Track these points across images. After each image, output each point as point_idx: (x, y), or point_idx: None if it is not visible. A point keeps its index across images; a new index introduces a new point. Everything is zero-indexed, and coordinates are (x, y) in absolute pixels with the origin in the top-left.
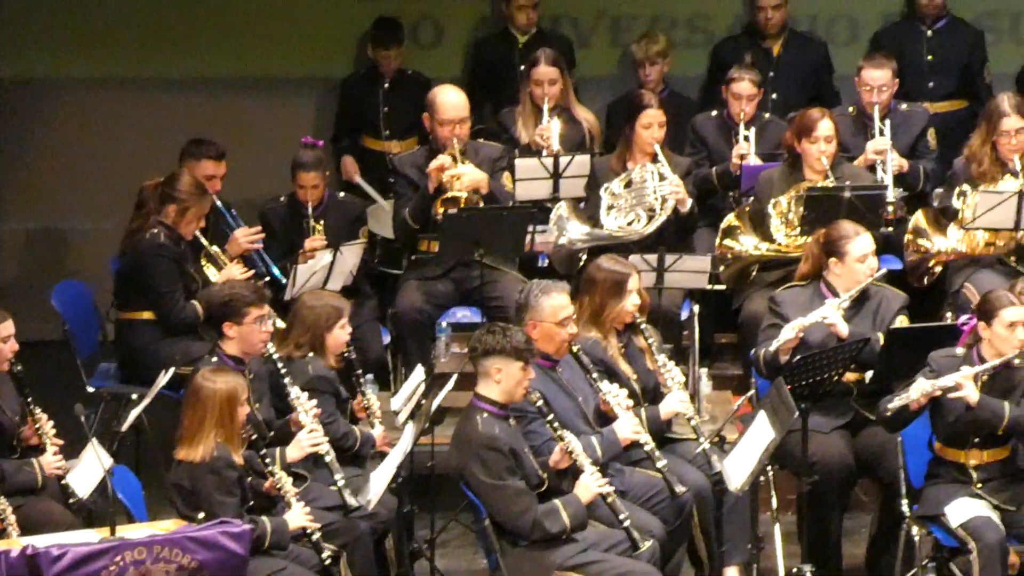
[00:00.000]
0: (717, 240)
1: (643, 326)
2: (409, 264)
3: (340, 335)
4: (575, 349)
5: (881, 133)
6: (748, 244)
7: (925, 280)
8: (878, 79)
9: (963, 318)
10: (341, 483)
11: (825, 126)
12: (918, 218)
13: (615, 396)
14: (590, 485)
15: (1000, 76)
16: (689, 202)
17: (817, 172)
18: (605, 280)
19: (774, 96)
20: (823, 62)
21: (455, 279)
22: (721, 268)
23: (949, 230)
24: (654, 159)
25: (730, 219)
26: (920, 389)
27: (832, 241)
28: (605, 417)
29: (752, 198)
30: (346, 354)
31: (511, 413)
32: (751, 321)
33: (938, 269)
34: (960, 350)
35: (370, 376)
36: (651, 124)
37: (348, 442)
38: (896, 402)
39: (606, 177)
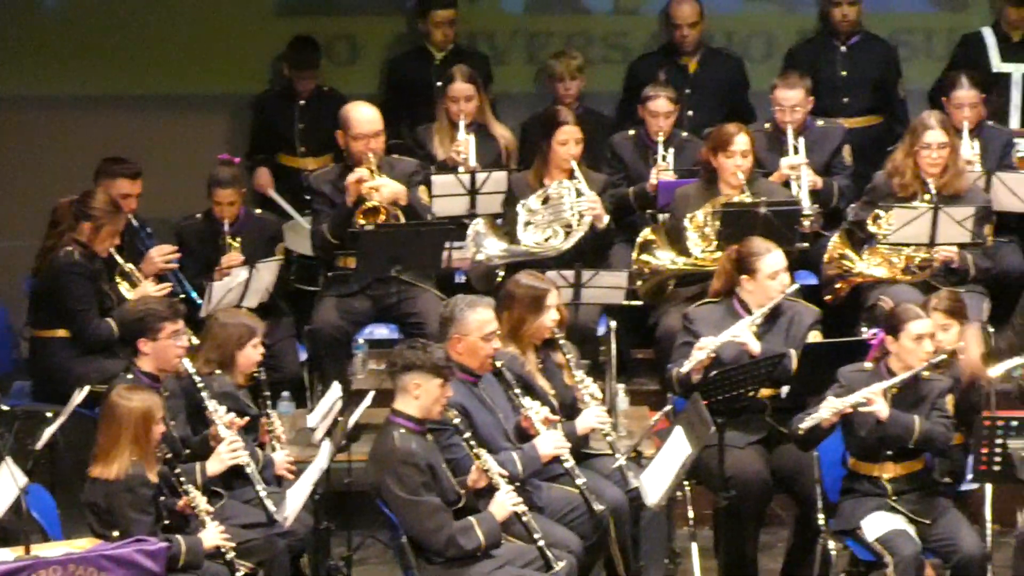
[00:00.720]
0: (634, 255)
1: (561, 342)
2: (326, 281)
3: (252, 354)
4: (499, 365)
5: (796, 150)
6: (665, 259)
7: (840, 295)
8: (791, 99)
9: (870, 332)
10: (263, 493)
11: (741, 141)
12: (838, 241)
13: (537, 413)
14: (505, 503)
15: (914, 92)
16: (606, 218)
17: (733, 187)
18: (524, 296)
19: (690, 113)
20: (739, 79)
21: (372, 296)
22: (638, 283)
23: (863, 255)
24: (571, 175)
25: (646, 234)
26: (830, 407)
27: (744, 258)
28: (524, 434)
29: (668, 213)
30: (256, 374)
31: (429, 429)
32: (668, 336)
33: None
34: (869, 364)
35: (287, 393)
36: (568, 140)
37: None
38: (808, 421)
39: (523, 193)
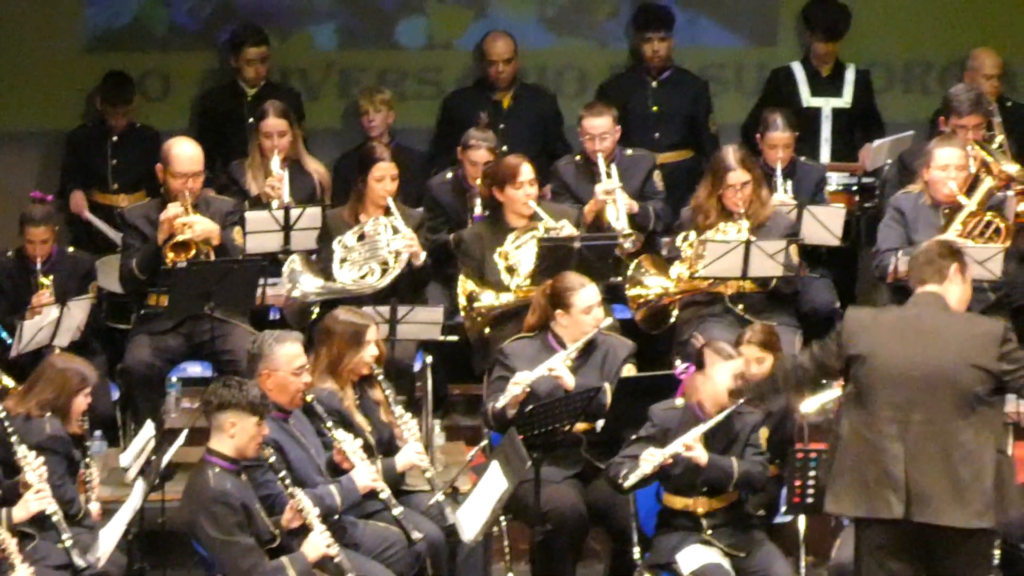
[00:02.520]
0: (462, 304)
1: (379, 378)
2: (138, 319)
3: (82, 402)
4: (309, 399)
5: (609, 175)
6: (488, 300)
7: (661, 327)
8: (598, 127)
9: (680, 367)
10: (69, 543)
11: (527, 170)
12: (638, 265)
13: (350, 446)
14: (318, 544)
15: (726, 127)
16: (423, 255)
17: (523, 216)
18: (343, 332)
19: (505, 148)
20: (552, 114)
21: (185, 333)
22: (467, 324)
23: (672, 269)
24: (387, 212)
25: (465, 283)
26: (651, 462)
27: (557, 293)
28: (337, 468)
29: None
30: (81, 421)
31: (244, 468)
32: None
33: (675, 313)
34: (680, 401)
35: (99, 432)
36: (384, 177)
37: (73, 508)
38: (633, 477)
39: (339, 229)
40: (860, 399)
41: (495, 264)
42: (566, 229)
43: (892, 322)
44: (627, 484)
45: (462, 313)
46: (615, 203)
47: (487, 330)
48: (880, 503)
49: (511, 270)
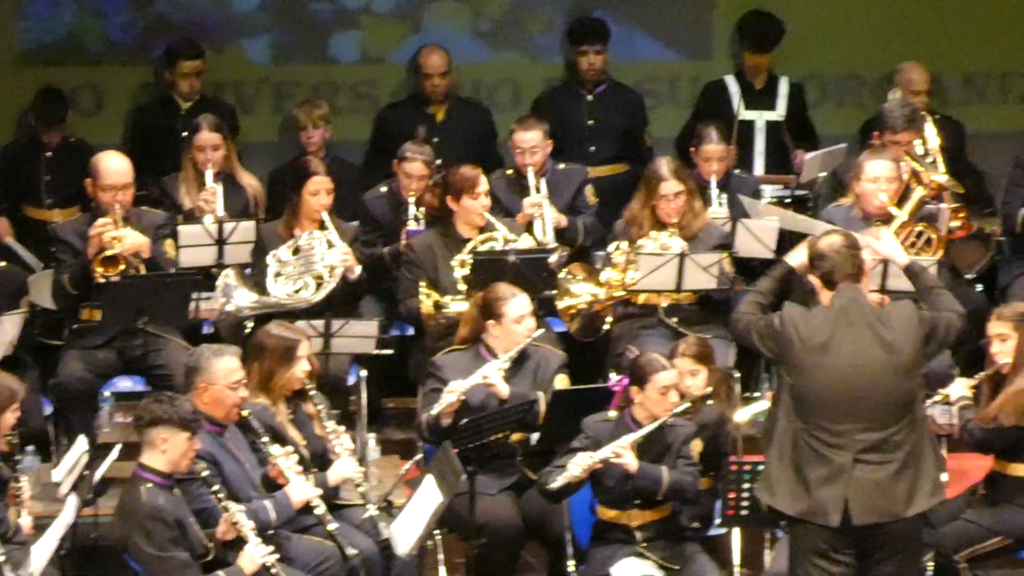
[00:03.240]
0: (428, 310)
1: (312, 392)
2: (71, 333)
3: (10, 418)
4: (245, 414)
5: (537, 190)
6: (456, 308)
7: (596, 335)
8: (528, 141)
9: (614, 379)
10: (0, 559)
11: (484, 182)
12: (567, 273)
13: (285, 460)
14: (254, 556)
15: (661, 140)
16: (358, 269)
17: (475, 227)
18: (275, 347)
19: (439, 162)
20: (486, 127)
21: (118, 348)
22: (430, 323)
23: (602, 274)
24: (321, 226)
25: (430, 292)
26: (580, 465)
27: (489, 304)
28: (272, 483)
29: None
30: (9, 437)
31: (177, 482)
32: None
33: (609, 319)
34: (613, 413)
35: (31, 448)
36: (318, 191)
37: (2, 528)
38: (559, 481)
39: (273, 243)
40: (798, 405)
41: (450, 272)
42: (525, 241)
43: (823, 325)
44: (553, 487)
45: (429, 322)
46: (542, 217)
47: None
48: (822, 509)
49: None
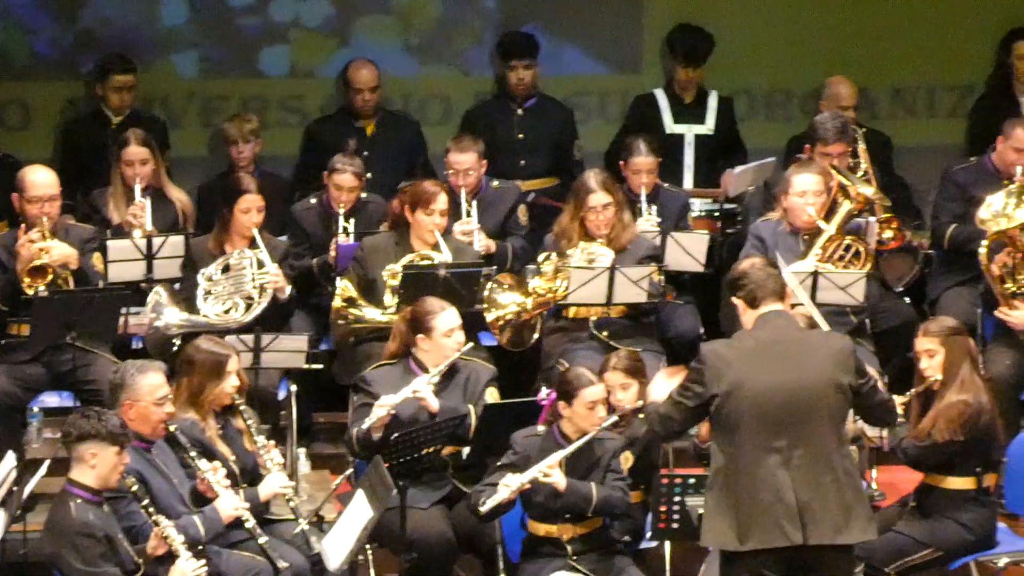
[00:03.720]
0: (336, 304)
1: (242, 407)
2: None
3: None
4: (171, 429)
5: (468, 214)
6: (367, 313)
7: (526, 344)
8: (463, 162)
9: (542, 393)
10: None
11: (442, 200)
12: (494, 283)
13: (214, 475)
14: (185, 571)
15: (590, 154)
16: (288, 289)
17: (428, 243)
18: (204, 362)
19: (369, 175)
20: (416, 141)
21: (46, 363)
22: (339, 322)
23: (531, 283)
24: (252, 243)
25: (347, 287)
26: (509, 487)
27: (418, 318)
28: (201, 498)
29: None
30: None
31: (106, 498)
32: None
33: (537, 326)
34: (541, 428)
35: None
36: (250, 209)
37: None
38: (491, 502)
39: (203, 260)
40: (733, 433)
41: (383, 281)
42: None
43: (751, 350)
44: (484, 509)
45: (333, 315)
46: (471, 245)
47: (351, 340)
48: (775, 533)
49: (394, 291)
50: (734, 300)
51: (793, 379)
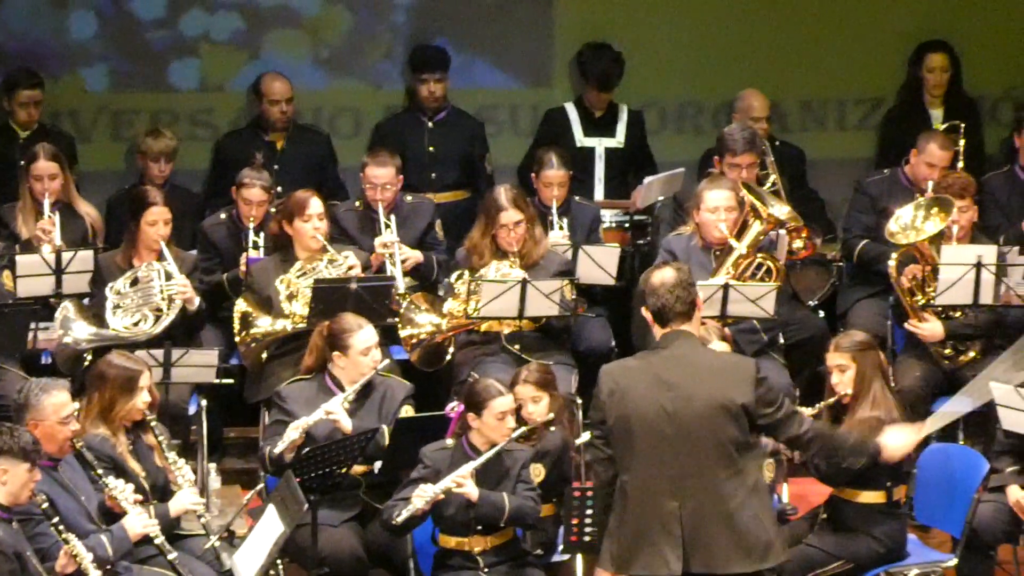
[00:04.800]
0: (236, 329)
1: (153, 423)
2: None
3: None
4: (78, 446)
5: (388, 227)
6: (264, 325)
7: (437, 365)
8: (381, 177)
9: (450, 406)
10: None
11: (316, 204)
12: (410, 303)
13: (122, 491)
14: None
15: (501, 167)
16: (197, 300)
17: (312, 250)
18: (116, 377)
19: (279, 189)
20: (327, 155)
21: None
22: (241, 335)
23: (445, 304)
24: (160, 256)
25: (241, 307)
26: (423, 498)
27: (335, 335)
28: (111, 514)
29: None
30: None
31: (15, 516)
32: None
33: (451, 350)
34: (450, 441)
35: None
36: (157, 221)
37: None
38: (403, 515)
39: (111, 274)
40: (626, 458)
41: (278, 292)
42: (350, 259)
43: (643, 373)
44: (398, 521)
45: (237, 338)
46: (392, 258)
47: (264, 355)
48: (658, 561)
49: (291, 297)
50: (643, 311)
51: (682, 407)
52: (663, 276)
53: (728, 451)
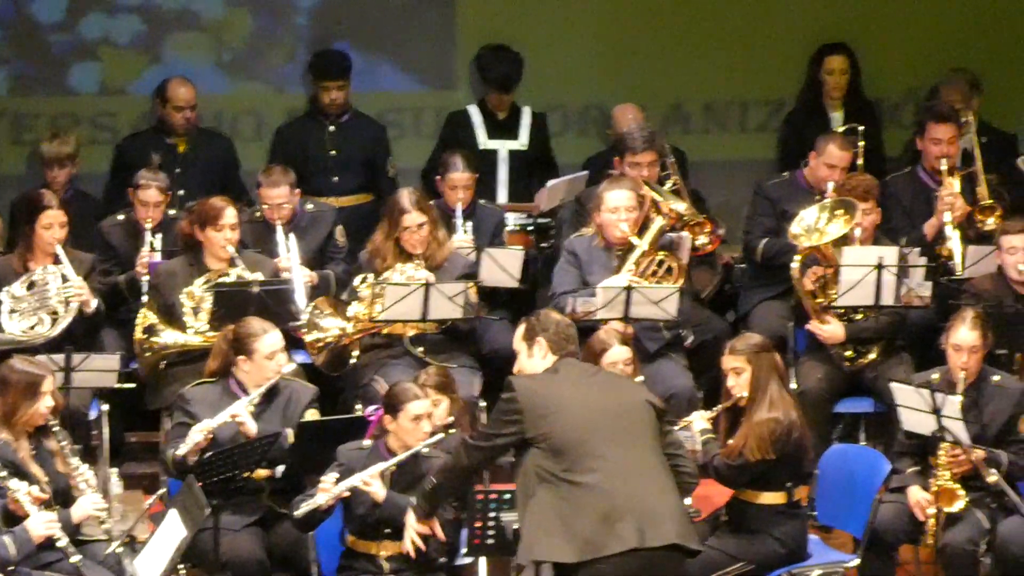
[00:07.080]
0: (137, 336)
1: (55, 428)
2: None
3: None
4: None
5: (287, 248)
6: (170, 338)
7: (341, 369)
8: (275, 197)
9: (370, 409)
10: None
11: (230, 214)
12: (315, 308)
13: (25, 494)
14: None
15: (404, 170)
16: (94, 302)
17: (222, 260)
18: (19, 382)
19: (181, 192)
20: (229, 158)
21: None
22: (146, 354)
23: (350, 308)
24: (56, 260)
25: (146, 315)
26: (326, 491)
27: (240, 339)
28: (12, 518)
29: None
30: None
31: None
32: None
33: (355, 354)
34: (368, 442)
35: None
36: (52, 224)
37: None
38: (305, 507)
39: (8, 278)
40: (563, 455)
41: (182, 303)
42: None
43: (564, 381)
44: (299, 513)
45: (136, 347)
46: (292, 282)
47: (162, 365)
48: (612, 539)
49: (196, 311)
50: (540, 339)
51: (614, 398)
52: (556, 317)
53: (658, 441)
